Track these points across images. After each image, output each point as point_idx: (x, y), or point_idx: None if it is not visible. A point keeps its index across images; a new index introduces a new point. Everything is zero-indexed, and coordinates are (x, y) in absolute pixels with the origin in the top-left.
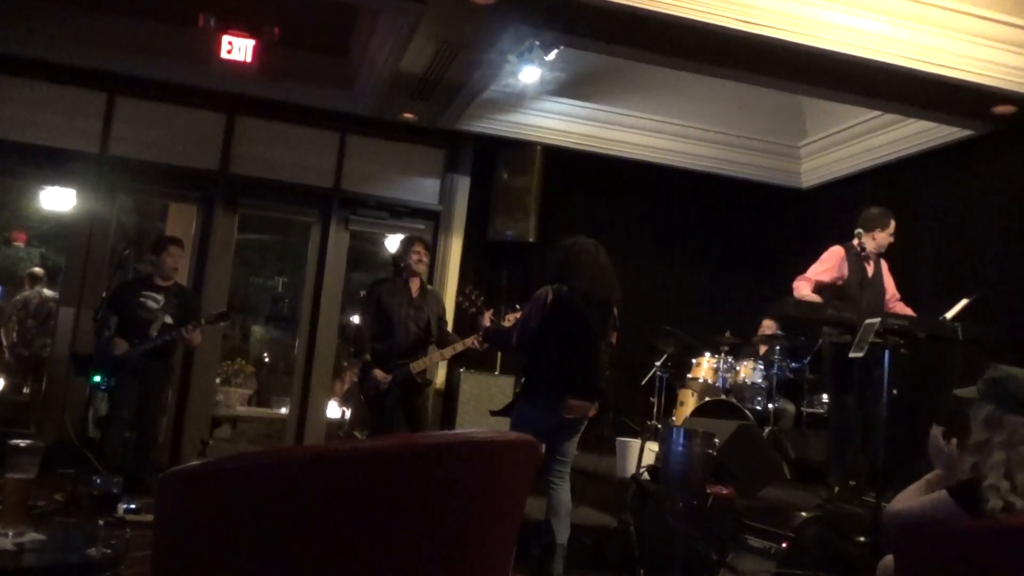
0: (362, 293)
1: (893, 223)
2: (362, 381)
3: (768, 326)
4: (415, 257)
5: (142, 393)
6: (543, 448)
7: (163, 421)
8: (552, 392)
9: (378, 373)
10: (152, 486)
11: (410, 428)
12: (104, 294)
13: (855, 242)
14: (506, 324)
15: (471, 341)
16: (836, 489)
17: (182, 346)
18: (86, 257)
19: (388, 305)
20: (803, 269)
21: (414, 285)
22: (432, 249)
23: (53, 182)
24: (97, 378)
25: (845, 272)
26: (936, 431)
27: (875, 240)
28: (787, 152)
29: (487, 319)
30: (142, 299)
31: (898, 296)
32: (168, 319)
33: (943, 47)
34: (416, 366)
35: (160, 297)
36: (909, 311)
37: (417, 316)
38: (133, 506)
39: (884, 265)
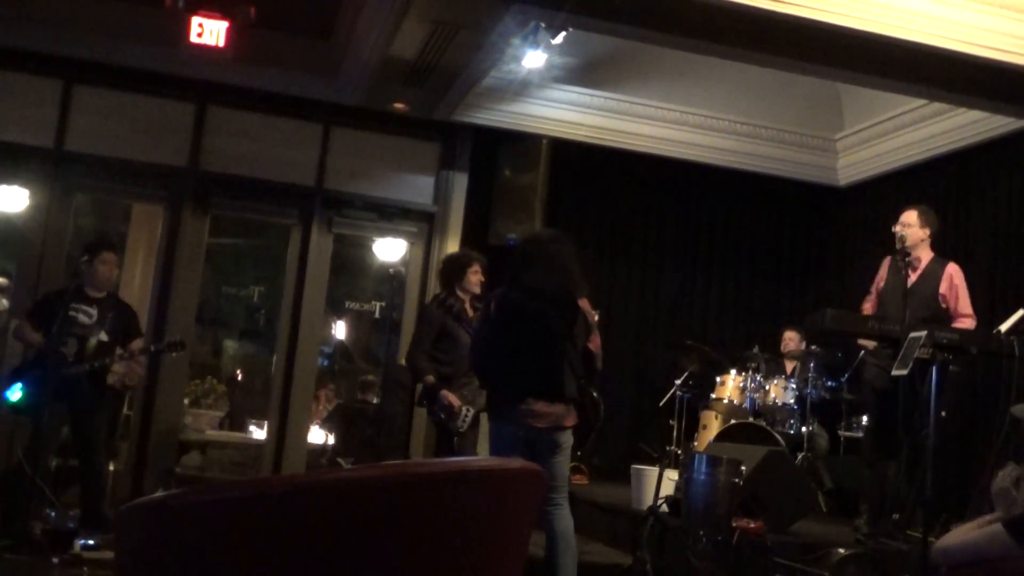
0: (348, 305)
1: (904, 214)
2: (429, 405)
3: (790, 339)
4: (474, 279)
5: (73, 419)
6: None
7: (102, 449)
8: (511, 401)
9: (448, 395)
10: (110, 518)
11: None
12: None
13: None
14: None
15: None
16: (863, 518)
17: (121, 377)
18: (39, 264)
19: (450, 326)
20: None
21: (466, 302)
22: (426, 254)
23: (2, 180)
24: (12, 396)
25: (883, 279)
26: (1008, 473)
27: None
28: (822, 146)
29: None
30: (72, 313)
31: (967, 313)
32: (103, 336)
33: (996, 28)
34: None
35: (93, 311)
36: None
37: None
38: (91, 542)
39: (948, 274)
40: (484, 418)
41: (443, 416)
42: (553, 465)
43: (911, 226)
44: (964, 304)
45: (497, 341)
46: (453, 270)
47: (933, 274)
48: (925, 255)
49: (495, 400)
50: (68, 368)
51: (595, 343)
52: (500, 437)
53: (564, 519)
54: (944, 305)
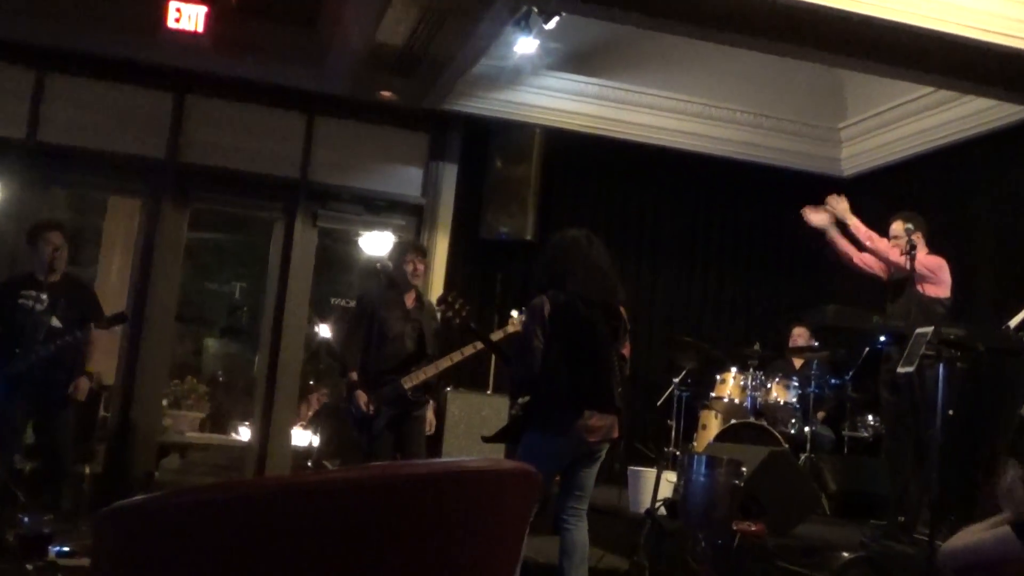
0: (334, 302)
1: (891, 227)
2: (348, 403)
3: (800, 335)
4: (409, 268)
5: (36, 415)
6: (557, 481)
7: (67, 450)
8: (569, 414)
9: (360, 396)
10: (72, 528)
11: (401, 455)
12: None
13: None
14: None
15: (469, 350)
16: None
17: (83, 357)
18: (13, 259)
19: (382, 319)
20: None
21: (409, 297)
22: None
23: None
24: None
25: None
26: (1017, 473)
27: None
28: (825, 135)
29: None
30: (20, 300)
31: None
32: (56, 322)
33: (1005, 12)
34: (408, 381)
35: (43, 296)
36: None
37: (413, 331)
38: (67, 548)
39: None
40: (449, 414)
41: (355, 416)
42: (586, 476)
43: (900, 236)
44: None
45: (554, 350)
46: (393, 261)
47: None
48: (919, 255)
49: (550, 413)
50: (16, 363)
51: (627, 348)
52: (543, 449)
53: (584, 531)
54: (922, 290)
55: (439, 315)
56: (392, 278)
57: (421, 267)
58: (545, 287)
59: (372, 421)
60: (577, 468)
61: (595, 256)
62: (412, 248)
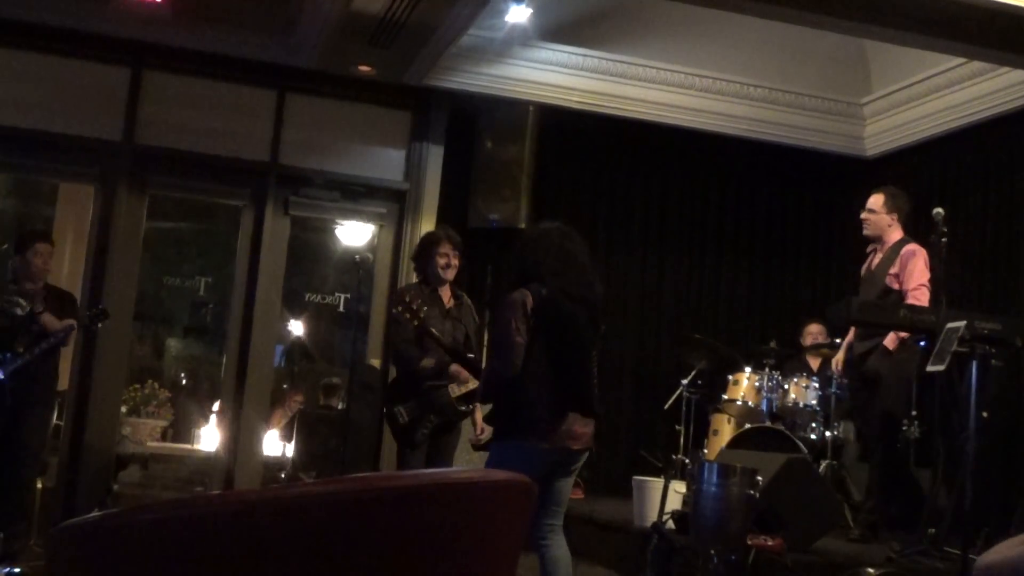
0: (308, 298)
1: (870, 199)
2: (390, 409)
3: (818, 332)
4: (441, 261)
5: (10, 421)
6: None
7: (37, 459)
8: (551, 418)
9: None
10: (22, 547)
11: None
12: None
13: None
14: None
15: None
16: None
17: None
18: None
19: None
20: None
21: (445, 294)
22: (396, 239)
23: None
24: None
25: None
26: None
27: None
28: (847, 111)
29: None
30: (4, 305)
31: (914, 287)
32: (36, 328)
33: None
34: (456, 388)
35: (26, 303)
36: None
37: (454, 330)
38: (17, 570)
39: (901, 255)
40: (469, 427)
41: (397, 423)
42: (564, 487)
43: (876, 212)
44: (914, 279)
45: (537, 348)
46: (419, 252)
47: (888, 258)
48: (892, 238)
49: (530, 417)
50: (8, 364)
51: None
52: (520, 457)
53: (564, 546)
54: (896, 287)
55: (396, 317)
56: (424, 274)
57: (456, 261)
58: (521, 283)
59: (414, 430)
60: (553, 479)
61: (571, 248)
62: (446, 238)
